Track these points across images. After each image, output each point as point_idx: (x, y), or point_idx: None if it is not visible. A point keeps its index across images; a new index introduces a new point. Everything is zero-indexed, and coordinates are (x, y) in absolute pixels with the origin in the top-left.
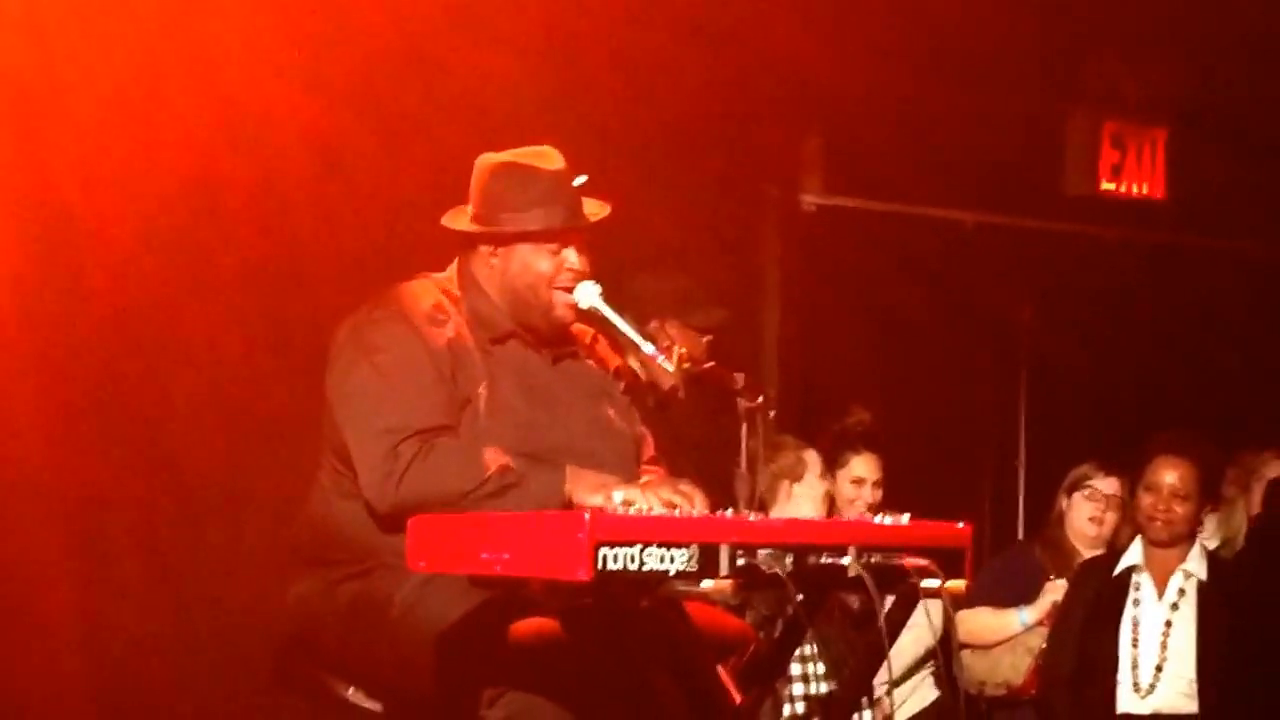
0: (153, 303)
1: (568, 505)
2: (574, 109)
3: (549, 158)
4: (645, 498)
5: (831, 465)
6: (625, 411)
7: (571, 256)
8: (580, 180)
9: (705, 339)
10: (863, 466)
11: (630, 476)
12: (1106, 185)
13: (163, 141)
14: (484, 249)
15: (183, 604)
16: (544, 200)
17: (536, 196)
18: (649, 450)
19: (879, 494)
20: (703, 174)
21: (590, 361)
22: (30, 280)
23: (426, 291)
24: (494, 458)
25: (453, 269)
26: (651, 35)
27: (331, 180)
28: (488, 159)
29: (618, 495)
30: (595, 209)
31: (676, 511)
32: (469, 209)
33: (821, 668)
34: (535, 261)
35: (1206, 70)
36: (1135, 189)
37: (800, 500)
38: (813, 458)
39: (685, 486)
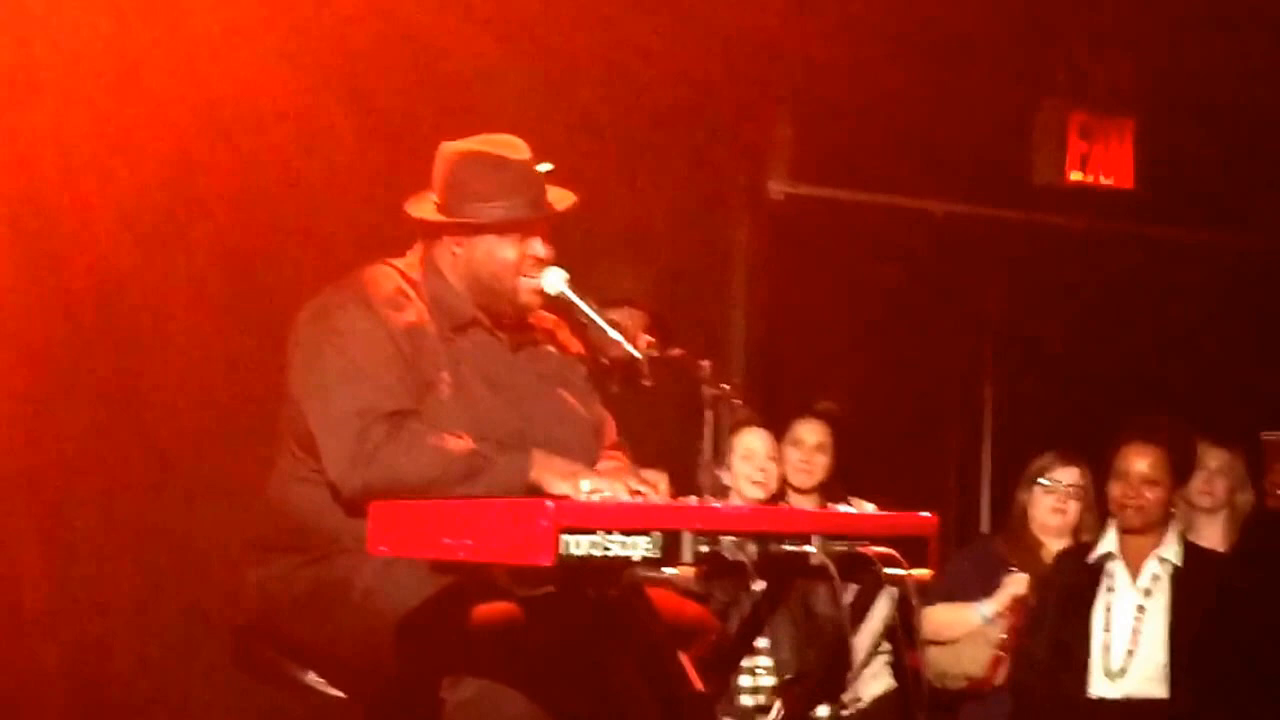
0: (131, 287)
1: (534, 490)
2: (551, 93)
3: (515, 147)
4: (611, 486)
5: (780, 436)
6: (586, 397)
7: (537, 245)
8: (545, 168)
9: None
10: (804, 430)
11: (591, 462)
12: (1075, 175)
13: (141, 126)
14: (448, 238)
15: (157, 588)
16: (511, 190)
17: (503, 186)
18: (611, 435)
19: (822, 460)
20: (672, 160)
21: (550, 348)
22: (7, 265)
23: (386, 277)
24: (460, 443)
25: (414, 255)
26: (628, 19)
27: (311, 165)
28: (452, 147)
29: (585, 484)
30: (560, 198)
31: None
32: (432, 197)
33: (768, 660)
34: (500, 250)
35: (1173, 60)
36: (1103, 179)
37: (755, 445)
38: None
39: (650, 474)
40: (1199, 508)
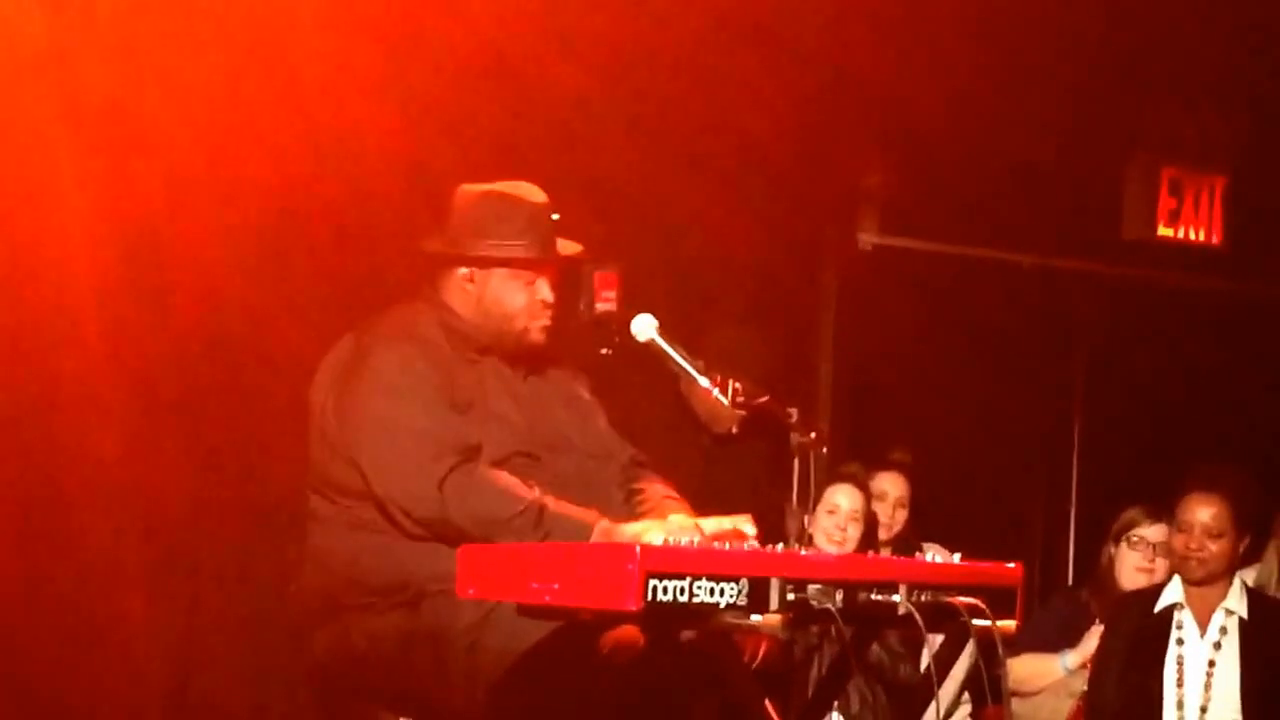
0: (237, 320)
1: None
2: (646, 129)
3: (530, 190)
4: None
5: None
6: (590, 415)
7: (544, 289)
8: (555, 217)
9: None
10: (885, 483)
11: (606, 479)
12: (1164, 231)
13: (247, 158)
14: (460, 273)
15: (261, 617)
16: (524, 231)
17: (518, 227)
18: (628, 452)
19: (902, 514)
20: (764, 206)
21: (553, 369)
22: (116, 297)
23: (407, 313)
24: (529, 491)
25: (426, 291)
26: (725, 58)
27: (414, 196)
28: (470, 188)
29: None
30: (567, 246)
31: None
32: (443, 235)
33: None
34: (510, 293)
35: (1266, 117)
36: (1193, 235)
37: (841, 502)
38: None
39: (737, 519)
40: None
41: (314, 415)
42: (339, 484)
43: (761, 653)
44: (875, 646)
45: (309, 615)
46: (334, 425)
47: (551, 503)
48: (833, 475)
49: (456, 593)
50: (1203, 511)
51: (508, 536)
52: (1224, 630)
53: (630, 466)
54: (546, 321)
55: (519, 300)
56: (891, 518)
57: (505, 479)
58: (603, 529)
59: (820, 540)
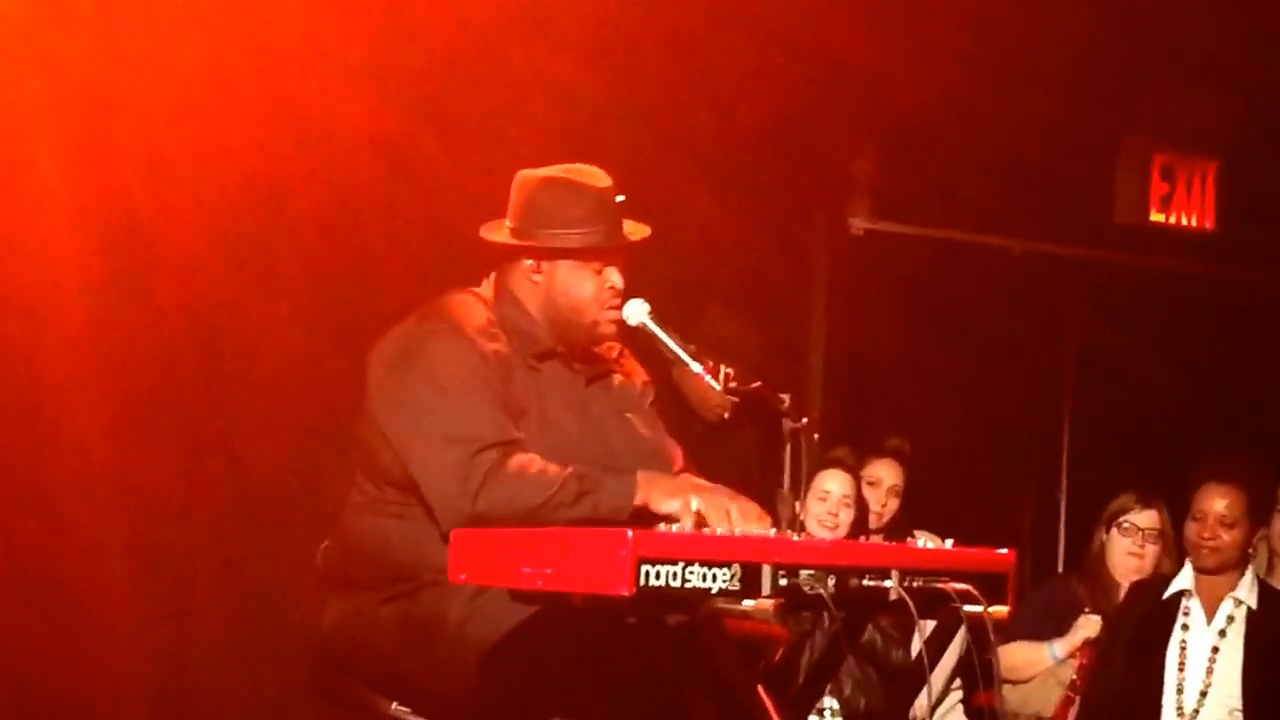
0: (219, 304)
1: (642, 511)
2: (635, 117)
3: (595, 175)
4: (718, 504)
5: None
6: (653, 424)
7: (614, 276)
8: (620, 199)
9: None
10: (879, 470)
11: None
12: (1156, 216)
13: (228, 143)
14: (526, 264)
15: (242, 605)
16: (591, 218)
17: (584, 214)
18: (679, 463)
19: (894, 502)
20: (754, 193)
21: (618, 376)
22: (97, 282)
23: (473, 305)
24: (563, 469)
25: (488, 284)
26: (715, 45)
27: (396, 181)
28: (531, 174)
29: (695, 502)
30: (635, 228)
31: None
32: (507, 223)
33: (836, 703)
34: (579, 281)
35: (1258, 104)
36: (1185, 220)
37: (831, 487)
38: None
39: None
40: (1278, 551)
41: (367, 396)
42: (386, 471)
43: (779, 654)
44: (870, 629)
45: (324, 587)
46: (384, 412)
47: (589, 471)
48: (823, 461)
49: (449, 577)
50: (1218, 501)
51: (556, 518)
52: (1230, 619)
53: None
54: (617, 313)
55: (588, 290)
56: (884, 505)
57: (537, 464)
58: (647, 478)
59: (812, 526)
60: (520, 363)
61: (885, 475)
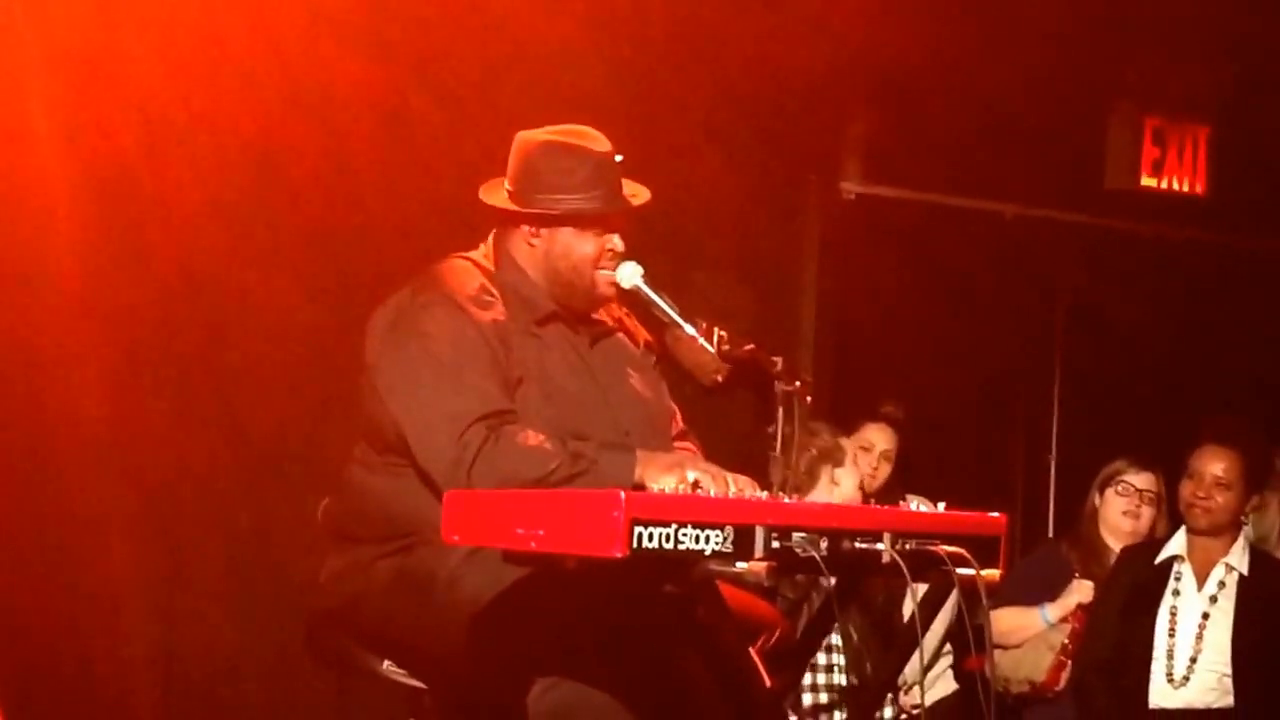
0: (216, 267)
1: (640, 489)
2: (630, 77)
3: (595, 138)
4: (716, 485)
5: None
6: (656, 385)
7: (616, 239)
8: (618, 159)
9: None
10: (873, 434)
11: (666, 449)
12: (1147, 181)
13: (225, 107)
14: (525, 229)
15: (241, 565)
16: (592, 182)
17: (585, 178)
18: (678, 424)
19: (887, 467)
20: (748, 157)
21: (621, 336)
22: (94, 246)
23: (468, 273)
24: (560, 445)
25: (486, 247)
26: (710, 4)
27: (394, 144)
28: (530, 136)
29: (690, 476)
30: (636, 191)
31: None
32: (506, 185)
33: (844, 659)
34: (579, 244)
35: (1249, 67)
36: (1176, 185)
37: (845, 482)
38: (849, 444)
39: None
40: None
41: (366, 367)
42: (389, 441)
43: (777, 636)
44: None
45: (324, 543)
46: (382, 384)
47: (586, 449)
48: (873, 414)
49: (442, 537)
50: (1215, 464)
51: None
52: (1222, 585)
53: (679, 438)
54: (614, 276)
55: (589, 253)
56: (875, 469)
57: (532, 439)
58: (645, 456)
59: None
60: (520, 329)
61: (878, 440)
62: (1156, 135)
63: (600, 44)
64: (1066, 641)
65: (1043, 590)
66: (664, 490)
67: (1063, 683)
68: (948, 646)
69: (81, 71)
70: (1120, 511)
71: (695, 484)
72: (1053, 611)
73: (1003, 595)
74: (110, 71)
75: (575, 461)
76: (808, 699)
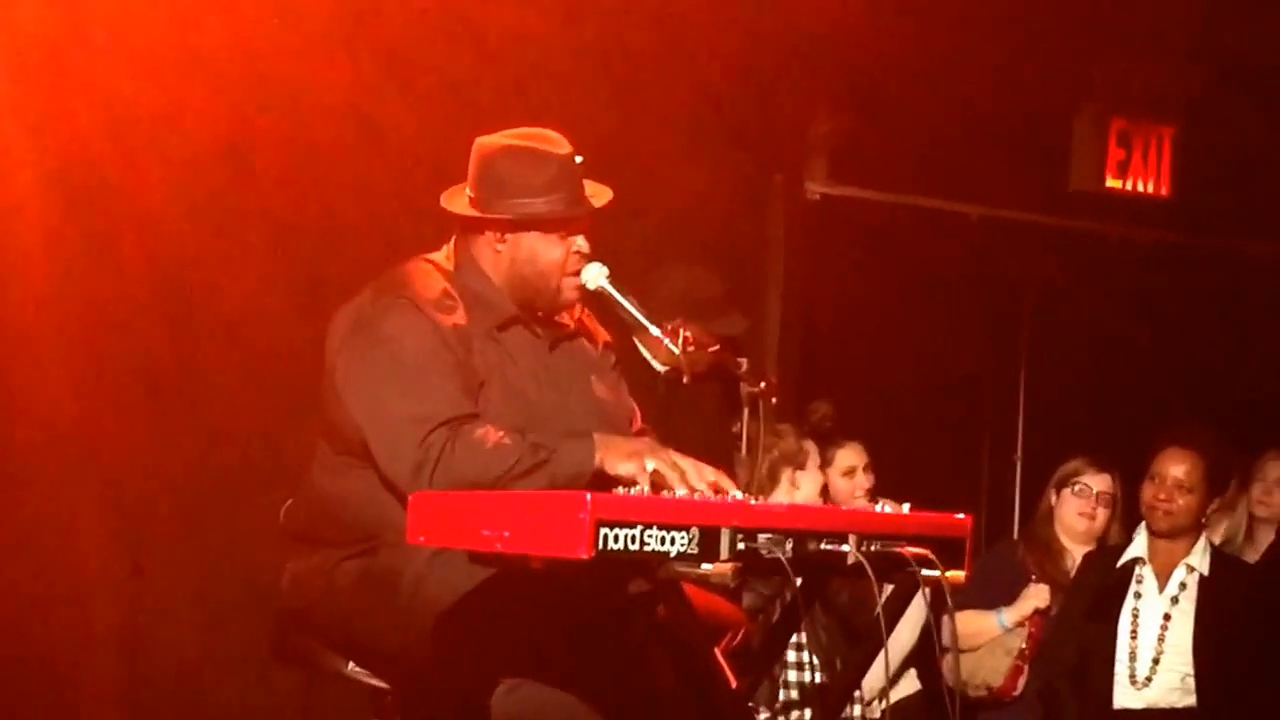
0: (185, 264)
1: (600, 475)
2: (599, 74)
3: (555, 141)
4: (673, 464)
5: (822, 463)
6: (616, 386)
7: (581, 241)
8: (579, 160)
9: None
10: (849, 456)
11: None
12: (1112, 182)
13: (195, 104)
14: (490, 234)
15: (208, 559)
16: (555, 185)
17: (548, 181)
18: (638, 423)
19: (871, 478)
20: (711, 157)
21: (582, 339)
22: (63, 241)
23: (430, 275)
24: (520, 438)
25: (448, 249)
26: (672, 8)
27: (363, 142)
28: (490, 141)
29: (650, 464)
30: (597, 191)
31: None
32: (467, 191)
33: (814, 658)
34: (546, 248)
35: (1214, 70)
36: (1141, 186)
37: (805, 486)
38: (812, 447)
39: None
40: (1257, 517)
41: (326, 370)
42: (349, 442)
43: (740, 636)
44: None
45: (286, 544)
46: (343, 386)
47: (545, 440)
48: (827, 438)
49: (408, 539)
50: (1177, 466)
51: (512, 488)
52: (1183, 586)
53: (639, 436)
54: (579, 280)
55: (554, 257)
56: (867, 483)
57: (493, 437)
58: (603, 441)
59: (844, 500)
60: (481, 333)
61: (854, 458)
62: (1121, 137)
63: (568, 43)
64: (1024, 647)
65: (996, 593)
66: (625, 475)
67: (1020, 688)
68: (912, 671)
69: (49, 70)
70: (1076, 512)
71: (654, 472)
72: (1009, 616)
73: (958, 598)
74: (79, 70)
75: (536, 452)
76: (781, 695)
